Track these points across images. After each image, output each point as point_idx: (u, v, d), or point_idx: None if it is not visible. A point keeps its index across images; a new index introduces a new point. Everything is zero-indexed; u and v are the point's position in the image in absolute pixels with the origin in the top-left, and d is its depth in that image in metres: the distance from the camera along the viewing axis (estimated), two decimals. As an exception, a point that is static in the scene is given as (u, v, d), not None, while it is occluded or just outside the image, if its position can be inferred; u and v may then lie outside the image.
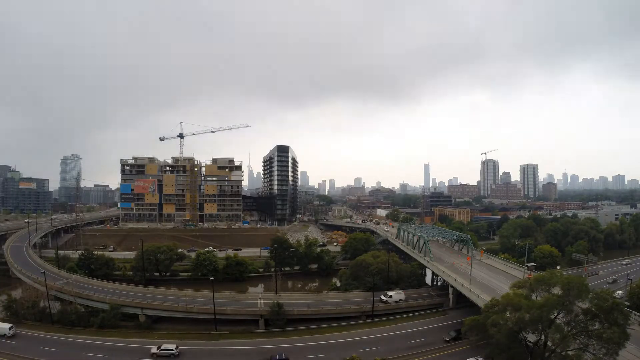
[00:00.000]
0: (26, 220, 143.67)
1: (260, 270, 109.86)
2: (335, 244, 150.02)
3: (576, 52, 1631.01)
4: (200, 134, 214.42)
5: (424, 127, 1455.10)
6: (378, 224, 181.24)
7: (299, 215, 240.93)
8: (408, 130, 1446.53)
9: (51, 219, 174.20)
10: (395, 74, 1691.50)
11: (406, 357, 50.45)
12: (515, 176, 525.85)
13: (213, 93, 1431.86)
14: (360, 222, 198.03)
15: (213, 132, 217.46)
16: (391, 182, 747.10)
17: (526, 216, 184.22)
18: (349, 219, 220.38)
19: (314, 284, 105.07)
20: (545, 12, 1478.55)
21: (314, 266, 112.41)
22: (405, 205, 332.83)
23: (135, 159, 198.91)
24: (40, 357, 49.04)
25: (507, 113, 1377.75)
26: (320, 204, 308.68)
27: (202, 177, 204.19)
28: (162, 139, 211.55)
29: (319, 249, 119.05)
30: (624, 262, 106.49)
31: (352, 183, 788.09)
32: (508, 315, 39.82)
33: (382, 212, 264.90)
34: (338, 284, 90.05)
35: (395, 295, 73.21)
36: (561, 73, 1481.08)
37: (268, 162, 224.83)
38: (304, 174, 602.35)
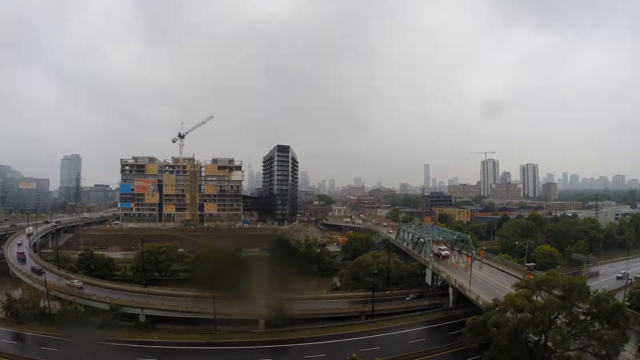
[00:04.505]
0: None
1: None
2: (335, 244, 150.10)
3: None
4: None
5: (424, 127, 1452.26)
6: (378, 224, 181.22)
7: (299, 215, 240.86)
8: (408, 130, 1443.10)
9: (50, 220, 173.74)
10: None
11: (406, 357, 50.38)
12: (515, 176, 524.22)
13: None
14: (360, 222, 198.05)
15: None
16: (391, 182, 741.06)
17: (526, 216, 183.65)
18: (349, 219, 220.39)
19: (314, 284, 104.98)
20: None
21: (314, 266, 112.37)
22: (405, 205, 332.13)
23: (135, 159, 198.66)
24: (40, 357, 49.00)
25: (508, 113, 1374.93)
26: (320, 204, 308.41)
27: (202, 177, 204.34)
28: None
29: (318, 249, 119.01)
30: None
31: (352, 183, 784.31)
32: (510, 315, 39.81)
33: (382, 212, 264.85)
34: (338, 284, 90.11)
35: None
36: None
37: (268, 162, 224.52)
38: (304, 173, 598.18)
